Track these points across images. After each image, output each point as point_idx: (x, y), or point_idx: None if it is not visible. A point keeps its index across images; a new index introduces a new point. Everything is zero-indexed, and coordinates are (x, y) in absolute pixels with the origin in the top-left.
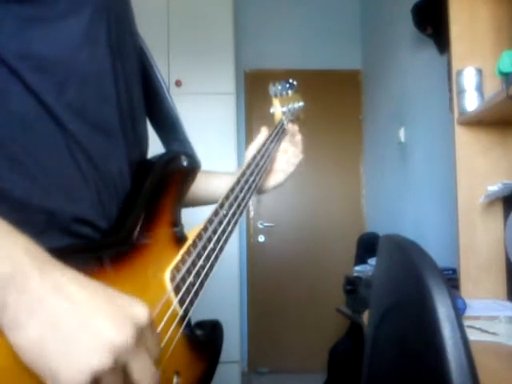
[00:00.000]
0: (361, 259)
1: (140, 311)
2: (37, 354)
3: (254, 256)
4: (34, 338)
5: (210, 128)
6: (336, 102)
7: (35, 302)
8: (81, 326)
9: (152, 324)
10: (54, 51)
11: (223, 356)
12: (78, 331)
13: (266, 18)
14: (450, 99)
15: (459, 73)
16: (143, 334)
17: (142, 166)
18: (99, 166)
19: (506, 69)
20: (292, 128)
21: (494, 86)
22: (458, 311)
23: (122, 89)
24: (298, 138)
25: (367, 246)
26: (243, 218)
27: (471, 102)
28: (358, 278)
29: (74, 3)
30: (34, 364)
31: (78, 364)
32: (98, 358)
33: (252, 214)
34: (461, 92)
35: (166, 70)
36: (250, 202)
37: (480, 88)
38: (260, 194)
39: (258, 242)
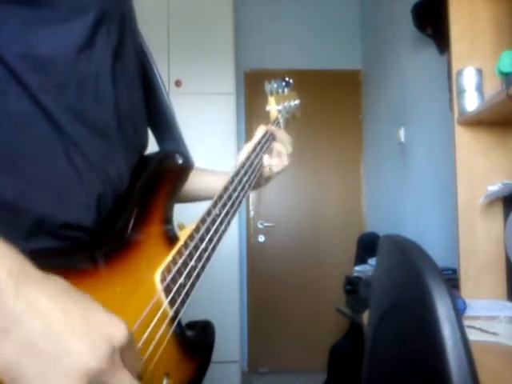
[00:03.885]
0: (361, 259)
1: (117, 331)
2: (12, 376)
3: (253, 256)
4: (9, 359)
5: (210, 128)
6: (336, 102)
7: (11, 322)
8: (55, 348)
9: (130, 342)
10: (55, 53)
11: (223, 356)
12: (52, 354)
13: (266, 18)
14: (450, 99)
15: (459, 73)
16: (120, 353)
17: (137, 165)
18: (98, 168)
19: (506, 69)
20: (271, 128)
21: (493, 86)
22: (458, 311)
23: (123, 92)
24: (280, 135)
25: (367, 246)
26: (243, 218)
27: (471, 102)
28: (358, 277)
29: (78, 8)
30: None
31: None
32: (69, 382)
33: (252, 213)
34: (461, 92)
35: (166, 70)
36: (251, 201)
37: (480, 88)
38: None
39: (258, 241)
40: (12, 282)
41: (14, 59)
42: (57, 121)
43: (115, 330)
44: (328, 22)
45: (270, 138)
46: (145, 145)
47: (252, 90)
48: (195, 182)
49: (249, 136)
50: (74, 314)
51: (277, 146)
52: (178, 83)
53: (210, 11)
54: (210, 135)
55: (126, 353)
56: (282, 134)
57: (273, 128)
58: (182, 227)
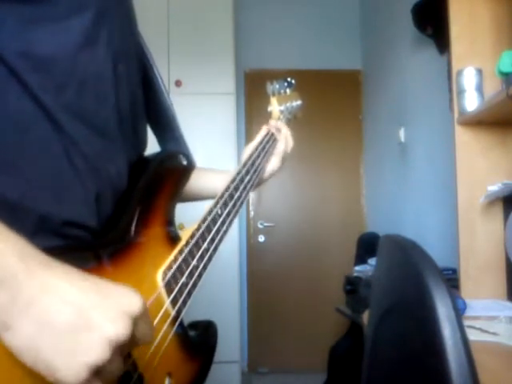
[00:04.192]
0: (361, 259)
1: (133, 301)
2: (34, 354)
3: (253, 256)
4: (27, 338)
5: (210, 128)
6: (336, 102)
7: (25, 302)
8: (75, 323)
9: (145, 310)
10: (55, 51)
11: (223, 356)
12: (72, 328)
13: (266, 18)
14: (450, 99)
15: (459, 73)
16: (137, 323)
17: (138, 165)
18: (97, 167)
19: (506, 69)
20: (277, 124)
21: (493, 86)
22: (458, 311)
23: (124, 91)
24: (285, 131)
25: (367, 246)
26: (243, 218)
27: (471, 102)
28: (358, 277)
29: (76, 4)
30: (32, 364)
31: (76, 361)
32: (95, 353)
33: (252, 214)
34: (461, 92)
35: (166, 69)
36: (251, 201)
37: (480, 88)
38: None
39: (258, 242)
40: (23, 265)
41: (13, 58)
42: (57, 120)
43: (131, 301)
44: (328, 22)
45: (272, 137)
46: (144, 144)
47: (252, 90)
48: (196, 181)
49: (249, 136)
50: (89, 290)
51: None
52: (177, 83)
53: (209, 11)
54: (210, 135)
55: (140, 321)
56: (285, 129)
57: (278, 124)
58: (181, 227)
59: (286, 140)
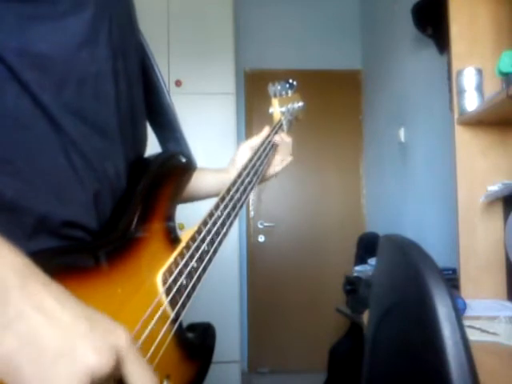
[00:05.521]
0: (361, 259)
1: (121, 336)
2: (9, 370)
3: (254, 256)
4: (8, 351)
5: (210, 128)
6: (336, 102)
7: (14, 316)
8: (59, 347)
9: (134, 347)
10: (54, 49)
11: (223, 356)
12: (55, 352)
13: (266, 18)
14: (450, 99)
15: (459, 73)
16: (124, 359)
17: (138, 165)
18: (95, 166)
19: (506, 69)
20: (280, 138)
21: (494, 86)
22: (458, 311)
23: (123, 89)
24: (287, 146)
25: (367, 245)
26: (243, 218)
27: (471, 102)
28: (358, 278)
29: (76, 3)
30: (5, 379)
31: None
32: (74, 382)
33: (252, 213)
34: (461, 92)
35: (166, 69)
36: (251, 202)
37: (480, 88)
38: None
39: (258, 242)
40: (18, 280)
41: (12, 56)
42: (56, 119)
43: (119, 336)
44: (328, 21)
45: (273, 140)
46: (144, 144)
47: (252, 90)
48: (193, 182)
49: (249, 136)
50: (81, 317)
51: (279, 144)
52: (177, 83)
53: (210, 11)
54: (209, 135)
55: (127, 359)
56: (285, 137)
57: (280, 136)
58: (182, 227)
59: (285, 151)
